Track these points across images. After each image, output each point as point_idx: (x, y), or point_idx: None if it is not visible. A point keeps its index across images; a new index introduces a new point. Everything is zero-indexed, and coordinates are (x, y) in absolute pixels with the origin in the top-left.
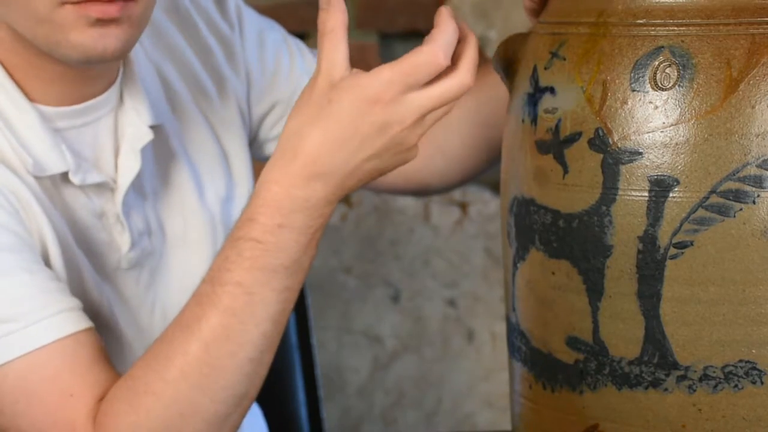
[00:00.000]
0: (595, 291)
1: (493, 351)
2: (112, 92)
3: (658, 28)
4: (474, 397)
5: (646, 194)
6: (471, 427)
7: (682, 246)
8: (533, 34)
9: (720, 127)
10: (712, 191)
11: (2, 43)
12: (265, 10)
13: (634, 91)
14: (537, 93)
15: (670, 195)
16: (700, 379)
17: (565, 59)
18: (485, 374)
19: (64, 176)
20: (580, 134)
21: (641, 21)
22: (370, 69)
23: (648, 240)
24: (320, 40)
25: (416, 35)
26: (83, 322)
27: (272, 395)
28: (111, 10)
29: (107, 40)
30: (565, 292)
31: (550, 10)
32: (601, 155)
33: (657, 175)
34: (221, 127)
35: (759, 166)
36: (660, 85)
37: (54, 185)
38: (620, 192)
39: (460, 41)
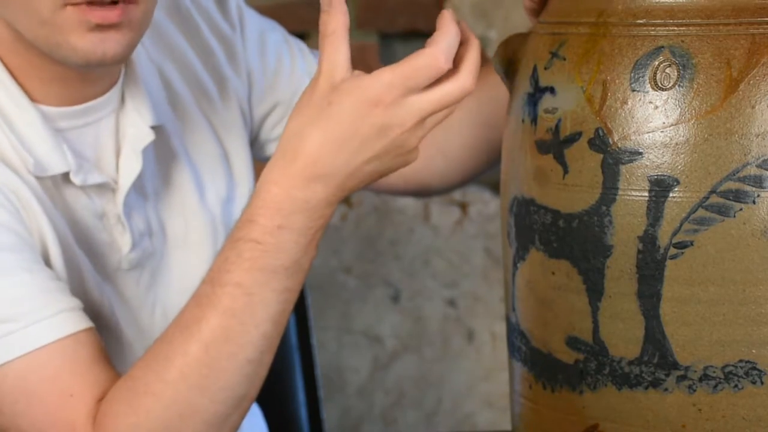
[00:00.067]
0: (595, 291)
1: (493, 351)
2: (114, 93)
3: (658, 28)
4: (474, 397)
5: (646, 194)
6: (471, 427)
7: (682, 246)
8: (533, 34)
9: (720, 127)
10: (712, 191)
11: (3, 43)
12: (265, 11)
13: (634, 91)
14: (537, 93)
15: (670, 195)
16: (700, 379)
17: (565, 59)
18: (485, 374)
19: (66, 176)
20: (580, 134)
21: (641, 21)
22: (370, 69)
23: (648, 240)
24: (321, 41)
25: (416, 35)
26: (83, 322)
27: (272, 395)
28: (111, 15)
29: (107, 45)
30: (565, 292)
31: (550, 10)
32: (601, 155)
33: (657, 175)
34: (222, 128)
35: (759, 166)
36: (660, 85)
37: (55, 185)
38: (620, 192)
39: (462, 44)
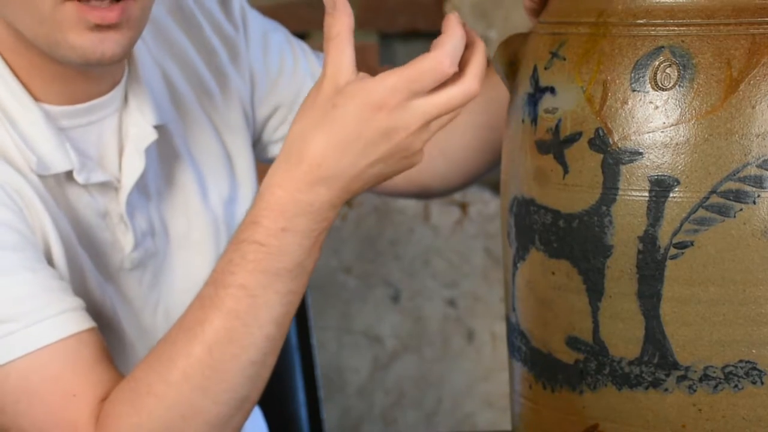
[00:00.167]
0: (595, 291)
1: (493, 351)
2: (117, 92)
3: (659, 28)
4: (474, 397)
5: (647, 194)
6: (471, 427)
7: (682, 246)
8: (533, 34)
9: (720, 127)
10: (713, 191)
11: (5, 43)
12: (266, 11)
13: (634, 91)
14: (537, 93)
15: (671, 195)
16: (701, 379)
17: (565, 59)
18: (485, 374)
19: (69, 175)
20: (580, 134)
21: (641, 21)
22: (370, 69)
23: (648, 240)
24: (326, 44)
25: (416, 35)
26: (86, 322)
27: (272, 396)
28: (110, 15)
29: (106, 45)
30: (565, 292)
31: (550, 10)
32: (602, 155)
33: (657, 175)
34: (225, 128)
35: (759, 166)
36: (660, 85)
37: (58, 184)
38: (620, 192)
39: (468, 47)
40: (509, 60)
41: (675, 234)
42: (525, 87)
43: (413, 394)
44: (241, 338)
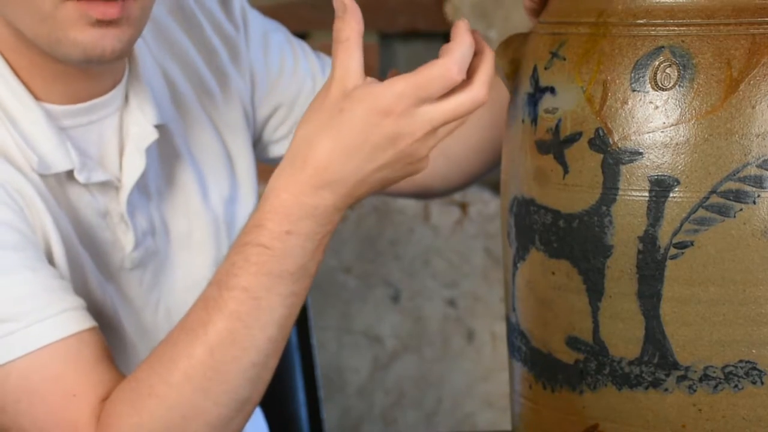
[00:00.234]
0: (595, 291)
1: (493, 351)
2: (118, 91)
3: (659, 28)
4: (474, 397)
5: (647, 194)
6: (471, 427)
7: (682, 246)
8: (533, 34)
9: (720, 127)
10: (713, 191)
11: (5, 42)
12: (266, 11)
13: (634, 91)
14: (537, 93)
15: (671, 195)
16: (701, 379)
17: (565, 59)
18: (485, 374)
19: (69, 174)
20: (580, 134)
21: (641, 21)
22: (370, 69)
23: (648, 240)
24: (335, 47)
25: (416, 35)
26: (87, 322)
27: (272, 396)
28: (111, 11)
29: (106, 40)
30: (565, 292)
31: (550, 10)
32: (602, 155)
33: (657, 175)
34: (225, 128)
35: (759, 166)
36: (660, 85)
37: (59, 183)
38: (620, 192)
39: (476, 55)
40: (509, 60)
41: (675, 234)
42: (525, 87)
43: (413, 394)
44: (243, 340)
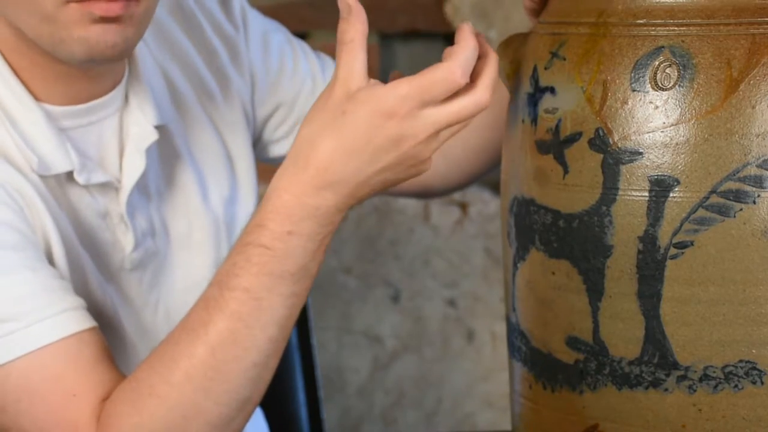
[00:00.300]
0: (595, 291)
1: (493, 351)
2: (118, 92)
3: (659, 28)
4: (474, 397)
5: (647, 194)
6: (471, 427)
7: (682, 246)
8: (533, 34)
9: (720, 127)
10: (713, 191)
11: (6, 42)
12: (266, 11)
13: (634, 91)
14: (537, 93)
15: (671, 195)
16: (701, 379)
17: (565, 59)
18: (485, 374)
19: (69, 175)
20: (580, 134)
21: (641, 21)
22: (371, 69)
23: (648, 240)
24: (339, 48)
25: (416, 35)
26: (87, 322)
27: (273, 396)
28: (114, 8)
29: (109, 36)
30: (565, 292)
31: (550, 10)
32: (602, 155)
33: (657, 175)
34: (225, 128)
35: (759, 166)
36: (660, 85)
37: (59, 184)
38: (620, 192)
39: (480, 58)
40: (509, 60)
41: (675, 234)
42: (525, 87)
43: (413, 394)
44: (244, 340)
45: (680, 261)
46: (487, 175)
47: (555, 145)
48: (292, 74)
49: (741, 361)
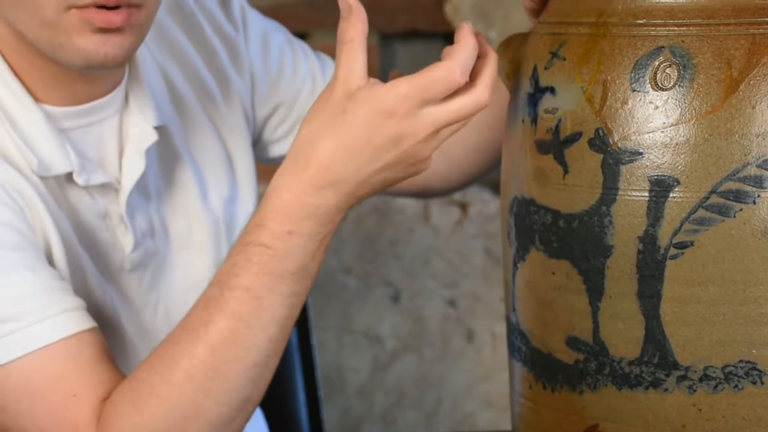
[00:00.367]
0: (595, 291)
1: (493, 351)
2: (118, 93)
3: (659, 28)
4: (474, 397)
5: (647, 194)
6: (471, 427)
7: (682, 246)
8: (533, 34)
9: (720, 127)
10: (713, 191)
11: (6, 44)
12: (266, 11)
13: (634, 91)
14: (537, 93)
15: (671, 195)
16: (701, 380)
17: (565, 59)
18: (485, 374)
19: (69, 176)
20: (580, 134)
21: (641, 21)
22: (371, 69)
23: (648, 240)
24: (339, 48)
25: (416, 35)
26: (87, 322)
27: (272, 396)
28: (115, 19)
29: (108, 47)
30: (565, 292)
31: (550, 10)
32: (602, 155)
33: (657, 175)
34: (225, 129)
35: (759, 166)
36: (660, 85)
37: (59, 185)
38: (620, 192)
39: (480, 58)
40: (509, 60)
41: (675, 234)
42: (525, 87)
43: (413, 394)
44: (244, 340)
45: (680, 261)
46: (487, 175)
47: (555, 145)
48: (292, 74)
49: (741, 361)
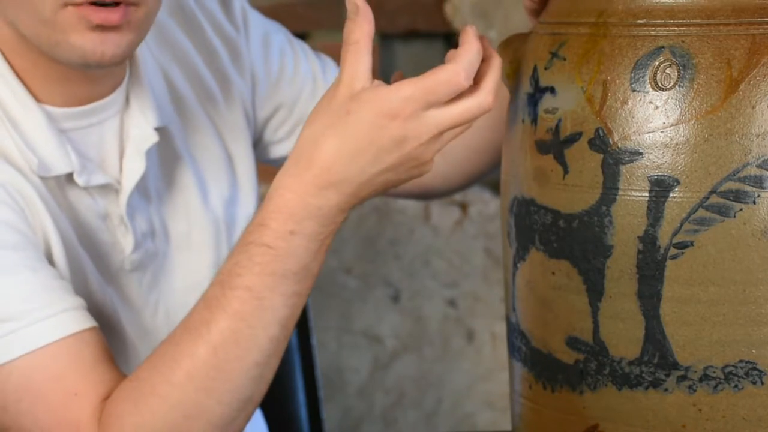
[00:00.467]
0: (595, 291)
1: (493, 351)
2: (119, 94)
3: (659, 28)
4: (474, 397)
5: (647, 194)
6: (471, 427)
7: (682, 246)
8: (533, 34)
9: (720, 127)
10: (713, 191)
11: (7, 43)
12: (265, 11)
13: (634, 91)
14: (537, 93)
15: (671, 195)
16: (701, 380)
17: (565, 59)
18: (485, 374)
19: (69, 177)
20: (580, 134)
21: (641, 21)
22: (371, 70)
23: (648, 240)
24: (344, 49)
25: (416, 35)
26: (87, 321)
27: (272, 396)
28: (113, 17)
29: (106, 46)
30: (565, 292)
31: (550, 10)
32: (602, 155)
33: (657, 175)
34: (226, 130)
35: (759, 166)
36: (660, 85)
37: (59, 186)
38: (620, 192)
39: (484, 61)
40: (509, 60)
41: (675, 234)
42: (525, 87)
43: (413, 394)
44: (246, 340)
45: (680, 261)
46: (488, 175)
47: (555, 145)
48: (292, 76)
49: (741, 361)
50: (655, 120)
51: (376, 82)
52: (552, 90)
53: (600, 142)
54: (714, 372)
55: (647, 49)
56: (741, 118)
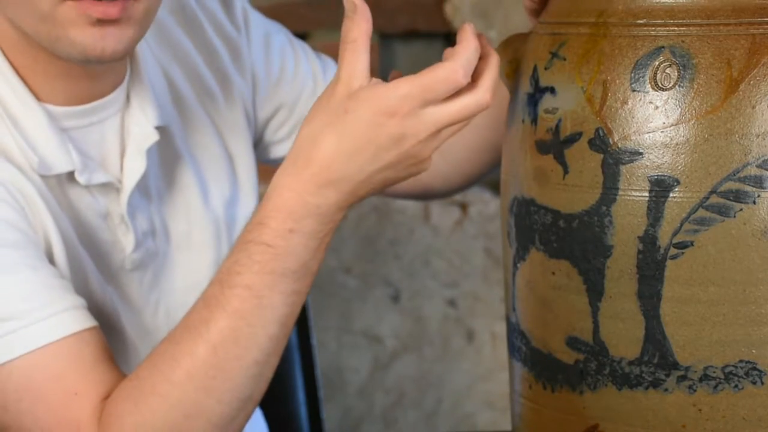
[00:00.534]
0: (595, 291)
1: (493, 351)
2: (120, 92)
3: (659, 28)
4: (474, 397)
5: (647, 194)
6: (471, 427)
7: (682, 246)
8: (533, 34)
9: (720, 127)
10: (713, 191)
11: (8, 41)
12: (266, 11)
13: (634, 91)
14: (537, 93)
15: (671, 195)
16: (701, 380)
17: (565, 59)
18: (485, 374)
19: (70, 176)
20: (580, 134)
21: (641, 21)
22: (371, 69)
23: (648, 240)
24: (342, 48)
25: (416, 35)
26: (87, 321)
27: (272, 395)
28: (112, 11)
29: (106, 41)
30: (565, 292)
31: (550, 10)
32: (602, 155)
33: (657, 175)
34: (226, 129)
35: (759, 167)
36: (660, 85)
37: (60, 184)
38: (620, 192)
39: (482, 59)
40: (509, 60)
41: (675, 234)
42: (525, 87)
43: (413, 394)
44: (245, 338)
45: (680, 261)
46: (487, 176)
47: (555, 145)
48: (293, 76)
49: (741, 361)
50: (655, 120)
51: (374, 80)
52: (552, 90)
53: (600, 142)
54: (714, 372)
55: (647, 49)
56: (741, 118)
